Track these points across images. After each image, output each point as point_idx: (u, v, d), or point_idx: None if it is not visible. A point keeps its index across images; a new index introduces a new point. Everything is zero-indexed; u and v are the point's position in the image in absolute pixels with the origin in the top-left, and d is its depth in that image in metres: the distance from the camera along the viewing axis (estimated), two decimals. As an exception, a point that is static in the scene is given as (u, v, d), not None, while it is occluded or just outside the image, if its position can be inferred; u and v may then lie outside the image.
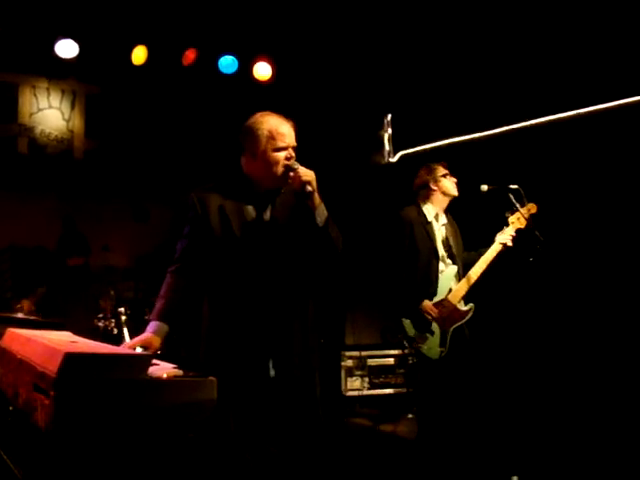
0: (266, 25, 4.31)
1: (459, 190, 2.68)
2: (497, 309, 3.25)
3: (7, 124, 4.60)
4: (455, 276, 2.60)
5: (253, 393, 1.67)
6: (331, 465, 2.19)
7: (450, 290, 2.57)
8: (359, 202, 4.42)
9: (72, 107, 4.79)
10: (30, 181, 4.52)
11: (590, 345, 3.20)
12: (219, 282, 1.75)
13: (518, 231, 2.56)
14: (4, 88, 4.57)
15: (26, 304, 3.63)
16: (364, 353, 4.08)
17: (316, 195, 1.71)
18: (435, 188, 2.65)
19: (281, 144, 1.73)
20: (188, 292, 1.74)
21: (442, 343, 2.51)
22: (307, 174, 1.70)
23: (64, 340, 1.47)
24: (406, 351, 2.50)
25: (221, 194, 1.76)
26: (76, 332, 1.72)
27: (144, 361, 1.26)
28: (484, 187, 2.51)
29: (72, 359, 1.13)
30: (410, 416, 3.60)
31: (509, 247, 2.55)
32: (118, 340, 3.29)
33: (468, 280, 2.56)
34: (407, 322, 2.53)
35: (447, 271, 2.59)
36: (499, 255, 2.57)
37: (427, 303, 2.52)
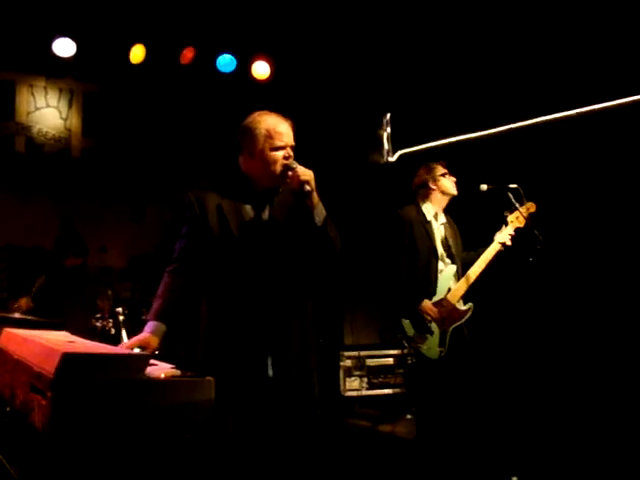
0: (264, 24, 4.29)
1: (458, 189, 2.67)
2: (496, 309, 3.24)
3: (4, 123, 4.58)
4: (454, 276, 2.60)
5: (251, 393, 1.67)
6: (330, 465, 2.18)
7: (449, 290, 2.56)
8: (358, 201, 4.41)
9: (70, 106, 4.78)
10: (27, 180, 4.50)
11: (590, 345, 3.20)
12: (217, 282, 1.74)
13: (517, 230, 2.56)
14: (1, 87, 4.55)
15: (24, 301, 3.62)
16: (363, 353, 4.07)
17: (314, 194, 1.71)
18: (434, 187, 2.65)
19: (279, 143, 1.73)
20: (186, 292, 1.73)
21: (441, 343, 2.51)
22: (305, 173, 1.70)
23: (61, 340, 1.46)
24: (405, 351, 2.49)
25: (219, 193, 1.76)
26: (74, 332, 1.72)
27: (142, 361, 1.25)
28: (483, 186, 2.51)
29: (69, 359, 1.13)
30: (409, 416, 3.59)
31: (508, 247, 2.55)
32: (116, 340, 3.28)
33: (467, 280, 2.56)
34: (406, 322, 2.53)
35: (446, 270, 2.59)
36: (498, 255, 2.57)
37: (427, 303, 2.52)
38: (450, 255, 2.62)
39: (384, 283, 2.61)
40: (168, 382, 1.26)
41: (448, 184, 2.65)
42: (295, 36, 4.34)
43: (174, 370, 1.34)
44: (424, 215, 2.64)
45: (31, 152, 4.64)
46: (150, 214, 4.79)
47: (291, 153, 1.75)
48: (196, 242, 1.75)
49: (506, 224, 2.59)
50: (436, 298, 2.55)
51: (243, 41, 4.53)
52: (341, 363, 4.01)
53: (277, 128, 1.73)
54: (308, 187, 1.68)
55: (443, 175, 2.66)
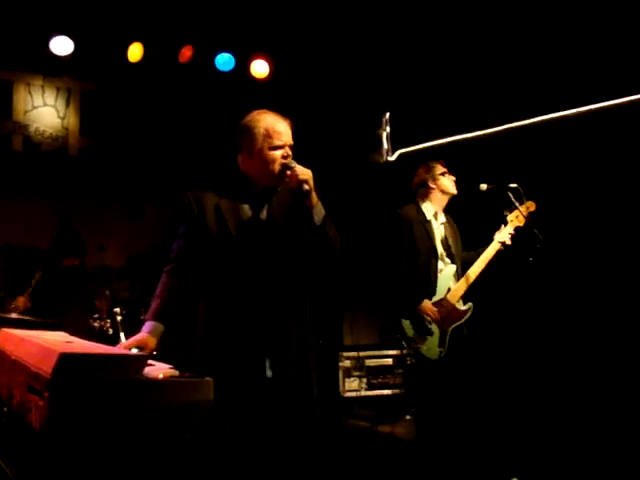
0: (263, 22, 4.28)
1: (458, 189, 2.66)
2: (496, 309, 3.24)
3: (2, 122, 4.57)
4: (454, 275, 2.59)
5: (250, 393, 1.66)
6: (329, 466, 2.17)
7: (449, 289, 2.55)
8: (357, 201, 4.40)
9: (67, 105, 4.76)
10: (25, 179, 4.48)
11: (590, 345, 3.19)
12: (215, 282, 1.74)
13: (517, 230, 2.56)
14: (-2, 85, 4.53)
15: (21, 301, 3.61)
16: (362, 353, 4.06)
17: (313, 194, 1.70)
18: (434, 186, 2.64)
19: (278, 142, 1.72)
20: (184, 292, 1.73)
21: (441, 343, 2.50)
22: (304, 173, 1.69)
23: (59, 340, 1.46)
24: (404, 351, 2.47)
25: (217, 193, 1.75)
26: (71, 332, 1.71)
27: (140, 361, 1.25)
28: (483, 186, 2.51)
29: (67, 359, 1.12)
30: (408, 417, 3.58)
31: (508, 246, 2.54)
32: (114, 340, 3.27)
33: (467, 279, 2.55)
34: (406, 323, 2.52)
35: (446, 270, 2.58)
36: (498, 254, 2.56)
37: (426, 303, 2.51)
38: (450, 255, 2.61)
39: (384, 283, 2.60)
40: (166, 382, 1.25)
41: (448, 183, 2.65)
42: (294, 35, 4.32)
43: (172, 370, 1.33)
44: (424, 214, 2.63)
45: (28, 151, 4.63)
46: (149, 213, 4.78)
47: (290, 152, 1.74)
48: (194, 242, 1.74)
49: (506, 223, 2.59)
50: (436, 298, 2.54)
51: (242, 40, 4.51)
52: (340, 363, 4.01)
53: (276, 127, 1.72)
54: (307, 186, 1.68)
55: (443, 174, 2.65)
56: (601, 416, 2.94)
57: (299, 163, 1.72)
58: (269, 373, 1.67)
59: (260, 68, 4.62)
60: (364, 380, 4.01)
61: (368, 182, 4.39)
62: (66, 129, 4.75)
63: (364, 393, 4.00)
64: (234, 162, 1.80)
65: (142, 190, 4.70)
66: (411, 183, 2.73)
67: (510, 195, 2.49)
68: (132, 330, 2.93)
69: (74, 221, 4.25)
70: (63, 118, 4.74)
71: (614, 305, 3.14)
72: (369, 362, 4.06)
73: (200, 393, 1.26)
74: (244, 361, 1.67)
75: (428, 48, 3.91)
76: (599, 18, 3.16)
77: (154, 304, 1.70)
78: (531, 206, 2.53)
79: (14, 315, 3.19)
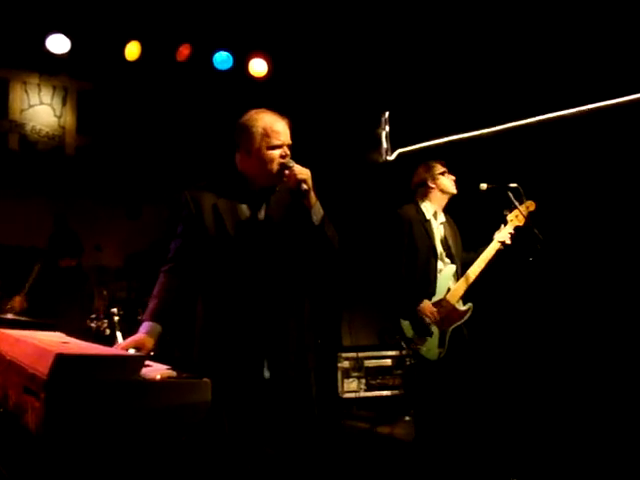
0: (262, 21, 4.26)
1: (458, 188, 2.65)
2: (496, 309, 3.23)
3: (-2, 120, 4.53)
4: (453, 275, 2.58)
5: (248, 393, 1.66)
6: (328, 467, 2.16)
7: (449, 289, 2.55)
8: (356, 200, 4.39)
9: (64, 103, 4.73)
10: (21, 178, 4.46)
11: (590, 346, 3.18)
12: (213, 282, 1.73)
13: (517, 230, 2.55)
14: (-5, 84, 4.50)
15: (17, 301, 3.59)
16: (361, 354, 4.05)
17: (312, 193, 1.70)
18: (433, 186, 2.63)
19: (276, 142, 1.72)
20: (181, 292, 1.72)
21: (441, 344, 2.49)
22: (303, 172, 1.69)
23: (55, 341, 1.45)
24: (404, 352, 2.46)
25: (215, 192, 1.75)
26: (68, 333, 1.70)
27: (137, 362, 1.24)
28: (483, 185, 2.51)
29: (63, 360, 1.11)
30: (407, 418, 3.57)
31: (508, 246, 2.54)
32: (111, 341, 3.25)
33: (467, 279, 2.54)
34: (406, 323, 2.50)
35: (445, 270, 2.57)
36: (498, 254, 2.56)
37: (426, 303, 2.49)
38: (449, 255, 2.60)
39: (383, 283, 2.58)
40: (164, 383, 1.24)
41: (447, 183, 2.64)
42: (293, 33, 4.31)
43: (170, 371, 1.33)
44: (423, 214, 2.62)
45: (25, 150, 4.60)
46: (146, 212, 4.75)
47: (288, 152, 1.73)
48: (192, 241, 1.74)
49: (505, 223, 2.58)
50: (435, 298, 2.53)
51: (240, 38, 4.49)
52: (339, 364, 4.00)
53: (274, 126, 1.72)
54: (305, 186, 1.67)
55: (442, 174, 2.64)
56: (601, 417, 2.93)
57: (297, 162, 1.72)
58: (267, 374, 1.67)
59: (258, 67, 4.60)
60: (363, 381, 4.00)
61: (367, 181, 4.38)
62: (63, 128, 4.72)
63: (363, 394, 3.99)
64: (232, 161, 1.80)
65: (139, 189, 4.68)
66: (410, 182, 2.72)
67: (510, 195, 2.48)
68: (129, 330, 2.91)
69: (71, 220, 4.22)
70: (60, 117, 4.71)
71: (614, 306, 3.14)
72: (368, 363, 4.05)
73: (198, 394, 1.25)
74: (242, 361, 1.66)
75: (428, 46, 3.90)
76: (598, 18, 3.15)
77: (151, 304, 1.70)
78: (531, 205, 2.53)
79: (10, 315, 3.17)
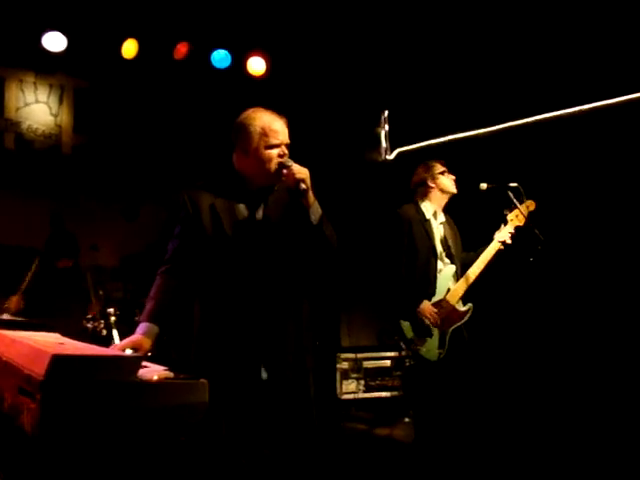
0: (260, 19, 4.24)
1: (458, 188, 2.64)
2: (496, 310, 3.22)
3: (-6, 119, 4.50)
4: (453, 276, 2.56)
5: (245, 394, 1.65)
6: (326, 470, 2.14)
7: (448, 290, 2.53)
8: (355, 200, 4.37)
9: (60, 102, 4.70)
10: (17, 178, 4.43)
11: (590, 347, 3.17)
12: (211, 282, 1.72)
13: (517, 229, 2.53)
14: (-10, 82, 4.47)
15: (14, 301, 3.57)
16: (360, 355, 4.03)
17: (310, 193, 1.69)
18: (433, 185, 2.62)
19: (274, 141, 1.71)
20: (179, 293, 1.71)
21: (441, 345, 2.47)
22: (301, 171, 1.68)
23: (51, 341, 1.44)
24: (403, 353, 2.45)
25: (212, 192, 1.74)
26: (64, 333, 1.69)
27: (134, 363, 1.23)
28: (483, 185, 2.50)
29: (59, 361, 1.10)
30: (407, 420, 3.57)
31: (508, 246, 2.52)
32: (107, 342, 3.23)
33: (466, 280, 2.53)
34: (406, 324, 2.49)
35: (445, 270, 2.55)
36: (498, 255, 2.54)
37: (426, 304, 2.48)
38: (449, 255, 2.58)
39: (383, 283, 2.57)
40: (161, 384, 1.23)
41: (447, 182, 2.62)
42: (291, 32, 4.29)
43: (167, 372, 1.32)
44: (423, 214, 2.61)
45: (21, 149, 4.57)
46: (144, 213, 4.73)
47: (286, 151, 1.73)
48: (189, 242, 1.73)
49: (505, 223, 2.57)
50: (435, 299, 2.52)
51: (238, 36, 4.47)
52: (338, 365, 3.98)
53: (272, 126, 1.71)
54: (303, 185, 1.66)
55: (442, 173, 2.63)
56: (601, 418, 2.92)
57: (296, 162, 1.71)
58: (264, 375, 1.66)
59: (257, 65, 4.58)
60: (362, 382, 3.98)
61: (366, 181, 4.36)
62: (59, 127, 4.69)
63: (362, 395, 3.98)
64: (230, 161, 1.78)
65: (137, 189, 4.65)
66: (410, 182, 2.70)
67: (510, 194, 2.47)
68: (126, 331, 2.89)
69: (67, 220, 4.20)
70: (56, 115, 4.68)
71: (615, 306, 3.12)
72: (367, 364, 4.03)
73: (195, 395, 1.24)
74: (240, 363, 1.65)
75: (427, 46, 3.88)
76: (598, 18, 3.14)
77: (149, 305, 1.69)
78: (531, 205, 2.52)
79: (6, 316, 3.14)
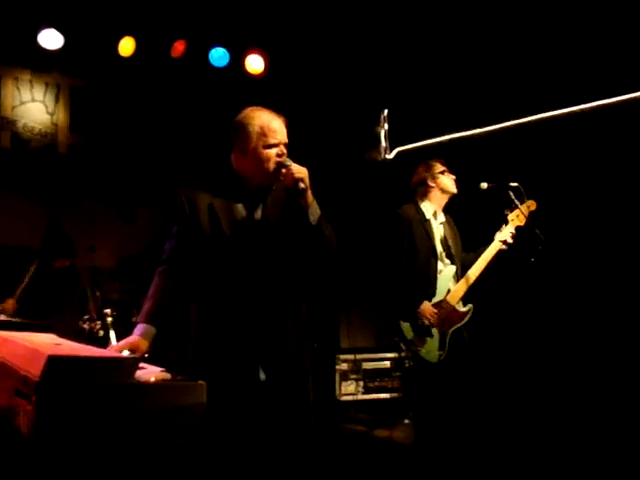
0: (259, 17, 4.21)
1: (458, 187, 2.62)
2: (497, 310, 3.20)
3: (-11, 117, 4.46)
4: (453, 276, 2.55)
5: (243, 396, 1.64)
6: (325, 472, 2.13)
7: (449, 291, 2.52)
8: (355, 200, 4.35)
9: (56, 100, 4.66)
10: (13, 177, 4.40)
11: (591, 348, 3.16)
12: (208, 283, 1.71)
13: (518, 230, 2.52)
14: (-15, 80, 4.43)
15: (10, 303, 3.54)
16: (359, 356, 4.01)
17: (309, 192, 1.68)
18: (433, 185, 2.60)
19: (272, 141, 1.70)
20: (176, 293, 1.71)
21: (441, 346, 2.46)
22: (300, 171, 1.67)
23: (47, 342, 1.43)
24: (403, 354, 2.44)
25: (210, 192, 1.73)
26: (61, 334, 1.68)
27: (131, 364, 1.23)
28: (484, 185, 2.49)
29: (56, 362, 1.10)
30: (406, 421, 3.56)
31: (509, 245, 2.51)
32: (104, 342, 3.22)
33: (467, 280, 2.51)
34: (406, 325, 2.47)
35: (445, 271, 2.54)
36: (499, 255, 2.53)
37: (427, 305, 2.46)
38: (449, 255, 2.57)
39: (383, 284, 2.55)
40: (158, 386, 1.22)
41: (447, 182, 2.61)
42: (290, 30, 4.26)
43: (164, 373, 1.31)
44: (423, 214, 2.59)
45: (17, 147, 4.54)
46: (141, 214, 4.71)
47: (284, 151, 1.72)
48: (187, 242, 1.72)
49: (506, 223, 2.55)
50: (435, 299, 2.51)
51: (237, 34, 4.44)
52: (337, 366, 3.96)
53: (270, 125, 1.70)
54: (302, 185, 1.66)
55: (442, 173, 2.61)
56: (601, 419, 2.92)
57: (294, 161, 1.70)
58: (262, 376, 1.65)
59: (255, 63, 4.55)
60: (361, 383, 3.96)
61: (366, 181, 4.34)
62: (55, 125, 4.66)
63: (361, 397, 3.96)
64: (228, 160, 1.77)
65: (134, 189, 4.63)
66: (410, 182, 2.68)
67: (511, 194, 2.47)
68: (123, 332, 2.87)
69: (64, 220, 4.18)
70: (52, 114, 4.65)
71: (616, 307, 3.11)
72: (366, 365, 4.01)
73: (193, 396, 1.23)
74: (237, 364, 1.65)
75: (427, 45, 3.86)
76: (597, 18, 3.13)
77: (146, 306, 1.68)
78: (532, 205, 2.52)
79: (2, 317, 3.11)
